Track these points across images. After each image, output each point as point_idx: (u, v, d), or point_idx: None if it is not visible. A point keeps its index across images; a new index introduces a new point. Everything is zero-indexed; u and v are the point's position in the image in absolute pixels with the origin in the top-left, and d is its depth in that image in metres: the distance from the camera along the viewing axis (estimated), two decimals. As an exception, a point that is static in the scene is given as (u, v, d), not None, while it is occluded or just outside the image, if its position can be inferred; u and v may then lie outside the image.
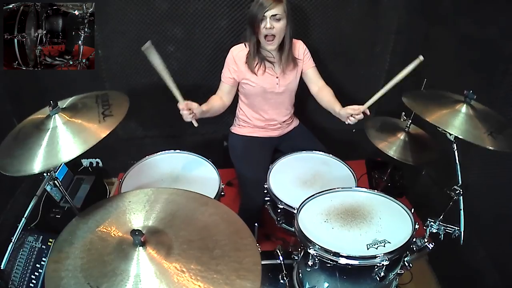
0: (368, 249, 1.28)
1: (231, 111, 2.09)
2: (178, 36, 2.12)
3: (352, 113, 1.68)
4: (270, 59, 1.83)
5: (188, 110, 1.59)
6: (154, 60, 1.44)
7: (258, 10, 1.64)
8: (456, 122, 1.35)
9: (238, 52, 1.83)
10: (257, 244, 1.05)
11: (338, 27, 2.20)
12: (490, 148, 1.27)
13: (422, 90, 1.75)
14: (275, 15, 1.65)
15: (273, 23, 1.66)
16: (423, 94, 1.66)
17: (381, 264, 1.24)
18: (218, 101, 1.89)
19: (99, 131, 1.19)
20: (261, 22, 1.66)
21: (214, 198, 1.59)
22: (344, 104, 1.78)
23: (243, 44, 1.85)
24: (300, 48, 1.91)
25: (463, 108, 1.40)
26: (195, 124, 1.64)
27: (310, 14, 2.13)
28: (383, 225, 1.38)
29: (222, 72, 1.89)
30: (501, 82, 1.64)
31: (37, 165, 1.10)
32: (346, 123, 1.72)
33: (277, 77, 1.87)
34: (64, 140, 1.16)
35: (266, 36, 1.70)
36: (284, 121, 2.06)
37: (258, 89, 1.87)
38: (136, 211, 1.13)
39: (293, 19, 1.77)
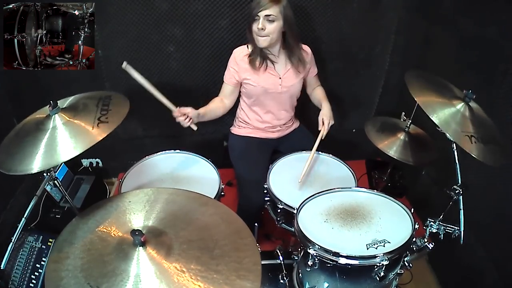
0: (368, 249, 1.28)
1: (231, 111, 2.09)
2: (178, 36, 2.12)
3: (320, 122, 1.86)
4: (272, 58, 1.83)
5: (183, 115, 1.63)
6: (136, 76, 1.54)
7: (254, 9, 1.64)
8: (444, 113, 1.33)
9: (240, 53, 1.84)
10: (257, 244, 1.05)
11: (338, 27, 2.20)
12: (465, 149, 1.26)
13: (427, 72, 1.70)
14: (269, 15, 1.63)
15: (266, 23, 1.65)
16: (427, 76, 1.61)
17: (380, 264, 1.24)
18: (218, 104, 1.91)
19: (92, 136, 1.19)
20: (254, 22, 1.67)
21: (214, 198, 1.60)
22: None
23: (245, 46, 1.85)
24: (308, 55, 1.93)
25: (459, 105, 1.38)
26: (194, 128, 1.69)
27: (310, 14, 2.13)
28: (383, 225, 1.38)
29: (225, 74, 1.90)
30: (501, 82, 1.64)
31: (36, 164, 1.10)
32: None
33: (279, 78, 1.87)
34: (62, 140, 1.17)
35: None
36: (284, 124, 2.06)
37: (259, 89, 1.86)
38: (136, 211, 1.13)
39: (296, 21, 1.76)
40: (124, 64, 1.49)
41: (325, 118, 1.85)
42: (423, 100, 1.35)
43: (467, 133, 1.31)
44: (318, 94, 2.04)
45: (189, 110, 1.67)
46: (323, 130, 1.83)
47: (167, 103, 1.62)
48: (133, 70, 1.52)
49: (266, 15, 1.63)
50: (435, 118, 1.30)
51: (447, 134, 1.34)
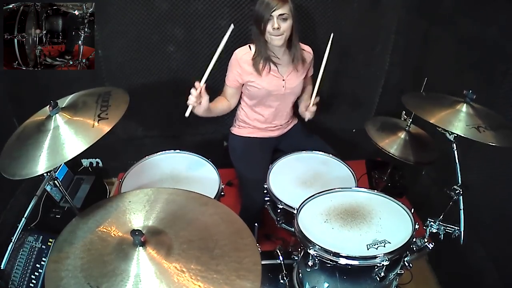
0: (368, 249, 1.28)
1: (231, 111, 2.09)
2: (178, 36, 2.12)
3: (305, 110, 1.86)
4: (275, 60, 1.83)
5: (198, 95, 1.58)
6: (224, 39, 1.53)
7: (265, 10, 1.64)
8: (458, 121, 1.35)
9: (243, 55, 1.82)
10: (257, 244, 1.05)
11: (338, 27, 2.20)
12: (478, 140, 1.28)
13: (421, 92, 1.75)
14: (282, 14, 1.65)
15: (280, 22, 1.66)
16: (422, 96, 1.66)
17: (381, 264, 1.24)
18: (224, 102, 1.91)
19: (95, 131, 1.18)
20: (268, 22, 1.67)
21: (214, 198, 1.59)
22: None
23: (247, 47, 1.84)
24: (309, 55, 1.94)
25: (463, 108, 1.40)
26: (187, 113, 1.60)
27: (310, 14, 2.13)
28: (383, 225, 1.38)
29: (226, 76, 1.89)
30: (501, 82, 1.64)
31: (41, 166, 1.10)
32: (306, 119, 1.88)
33: (283, 80, 1.87)
34: (66, 138, 1.16)
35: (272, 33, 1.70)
36: (285, 122, 2.07)
37: (263, 91, 1.87)
38: (136, 211, 1.13)
39: (297, 19, 1.77)
40: (232, 27, 1.51)
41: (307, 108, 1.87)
42: (436, 120, 1.37)
43: (473, 125, 1.32)
44: (304, 95, 2.06)
45: (206, 98, 1.62)
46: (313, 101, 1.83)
47: (206, 73, 1.57)
48: (228, 35, 1.53)
49: (279, 15, 1.65)
50: (457, 131, 1.32)
51: (447, 134, 1.35)
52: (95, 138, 1.15)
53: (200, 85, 1.57)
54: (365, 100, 2.58)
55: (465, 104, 1.40)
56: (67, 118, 1.22)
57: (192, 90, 1.58)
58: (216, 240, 1.04)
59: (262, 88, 1.85)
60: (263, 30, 1.69)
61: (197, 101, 1.59)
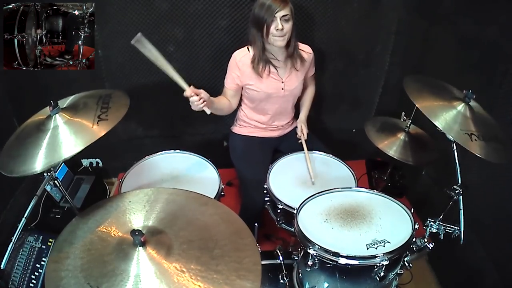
0: (367, 249, 1.28)
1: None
2: (178, 36, 2.12)
3: (297, 132, 2.00)
4: (275, 63, 1.83)
5: (197, 96, 1.55)
6: (147, 52, 1.41)
7: (267, 12, 1.64)
8: (454, 123, 1.33)
9: (241, 58, 1.82)
10: (257, 244, 1.05)
11: (338, 27, 2.20)
12: (465, 147, 1.27)
13: (425, 75, 1.71)
14: (285, 15, 1.65)
15: (283, 24, 1.67)
16: (425, 80, 1.61)
17: (380, 264, 1.24)
18: (225, 100, 1.90)
19: (93, 132, 1.19)
20: (272, 24, 1.67)
21: (214, 198, 1.60)
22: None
23: (245, 48, 1.83)
24: (309, 54, 1.94)
25: (460, 106, 1.38)
26: (208, 112, 1.58)
27: (310, 14, 2.13)
28: (383, 225, 1.38)
29: (225, 78, 1.89)
30: (501, 82, 1.64)
31: (38, 164, 1.11)
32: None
33: (282, 82, 1.87)
34: (64, 138, 1.17)
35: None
36: (285, 123, 2.07)
37: (262, 94, 1.87)
38: (136, 211, 1.13)
39: (296, 21, 1.77)
40: (136, 38, 1.36)
41: (303, 126, 2.00)
42: (423, 105, 1.36)
43: (467, 131, 1.31)
44: (304, 96, 2.11)
45: (202, 91, 1.58)
46: (302, 137, 1.95)
47: (180, 81, 1.51)
48: (146, 44, 1.38)
49: (282, 16, 1.65)
50: (438, 123, 1.31)
51: (447, 134, 1.35)
52: (92, 139, 1.16)
53: (187, 88, 1.53)
54: (365, 100, 2.58)
55: (463, 104, 1.39)
56: (67, 118, 1.22)
57: (191, 99, 1.55)
58: (216, 240, 1.04)
59: (261, 91, 1.85)
60: (266, 32, 1.69)
61: (202, 101, 1.56)
